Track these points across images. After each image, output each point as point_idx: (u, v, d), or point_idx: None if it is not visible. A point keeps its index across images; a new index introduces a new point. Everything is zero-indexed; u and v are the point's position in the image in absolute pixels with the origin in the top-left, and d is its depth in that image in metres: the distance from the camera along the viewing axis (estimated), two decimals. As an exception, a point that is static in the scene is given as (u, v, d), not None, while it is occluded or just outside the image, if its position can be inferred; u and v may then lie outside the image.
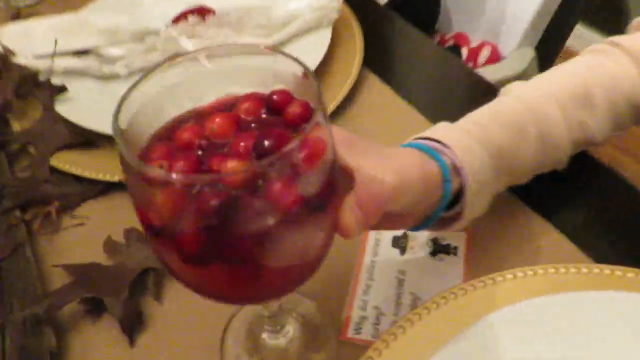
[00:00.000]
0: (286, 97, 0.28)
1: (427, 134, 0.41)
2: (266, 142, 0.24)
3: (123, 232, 0.48)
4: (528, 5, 0.91)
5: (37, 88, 0.62)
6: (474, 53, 0.97)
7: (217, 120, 0.28)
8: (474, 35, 1.01)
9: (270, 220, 0.24)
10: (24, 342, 0.42)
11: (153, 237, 0.26)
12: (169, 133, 0.29)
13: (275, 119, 0.28)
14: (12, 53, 0.65)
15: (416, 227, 0.41)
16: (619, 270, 0.41)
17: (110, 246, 0.48)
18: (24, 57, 0.65)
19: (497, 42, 0.98)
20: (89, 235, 0.50)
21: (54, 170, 0.55)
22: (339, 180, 0.28)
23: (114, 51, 0.66)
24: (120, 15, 0.69)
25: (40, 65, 0.64)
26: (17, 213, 0.51)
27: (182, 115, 0.30)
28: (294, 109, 0.27)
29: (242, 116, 0.29)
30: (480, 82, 0.62)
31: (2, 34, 0.67)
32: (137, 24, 0.67)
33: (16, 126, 0.61)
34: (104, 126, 0.56)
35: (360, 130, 0.57)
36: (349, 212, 0.29)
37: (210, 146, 0.27)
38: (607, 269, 0.41)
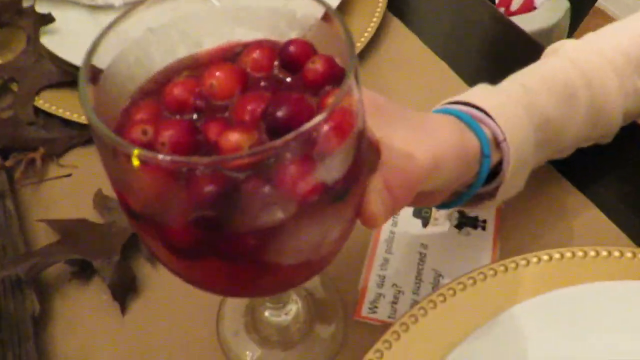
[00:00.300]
0: (306, 49, 0.22)
1: (465, 98, 0.35)
2: (280, 111, 0.19)
3: (114, 186, 0.43)
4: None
5: (20, 16, 0.55)
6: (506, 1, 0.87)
7: (217, 74, 0.22)
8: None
9: (281, 213, 0.19)
10: (4, 305, 0.38)
11: (135, 223, 0.21)
12: (156, 88, 0.23)
13: (292, 77, 0.22)
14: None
15: (443, 205, 0.36)
16: (671, 259, 0.36)
17: (100, 202, 0.43)
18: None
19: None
20: (77, 188, 0.45)
21: (39, 111, 0.50)
22: (366, 159, 0.22)
23: None
24: None
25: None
26: (-2, 159, 0.46)
27: (173, 65, 0.24)
28: (316, 66, 0.21)
29: (249, 71, 0.23)
30: (518, 33, 0.55)
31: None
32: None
33: (-2, 59, 0.55)
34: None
35: (381, 85, 0.51)
36: (376, 197, 0.24)
37: (209, 108, 0.22)
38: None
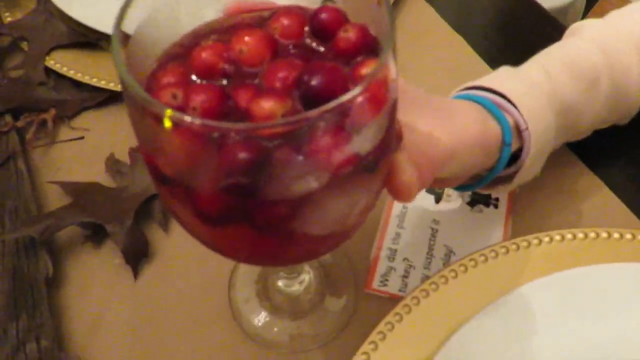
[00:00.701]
0: (338, 17, 0.22)
1: (488, 83, 0.34)
2: (314, 80, 0.18)
3: (128, 150, 0.43)
4: None
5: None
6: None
7: (246, 39, 0.22)
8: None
9: (313, 183, 0.18)
10: (17, 267, 0.38)
11: (161, 186, 0.21)
12: (185, 51, 0.22)
13: (323, 45, 0.22)
14: None
15: (461, 187, 0.36)
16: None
17: (113, 165, 0.43)
18: None
19: None
20: (89, 150, 0.45)
21: (50, 72, 0.49)
22: (394, 134, 0.22)
23: None
24: None
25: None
26: (8, 119, 0.46)
27: (201, 28, 0.23)
28: (349, 35, 0.21)
29: (278, 37, 0.22)
30: (536, 10, 0.54)
31: None
32: None
33: (6, 16, 0.53)
34: (110, 25, 0.49)
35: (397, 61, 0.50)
36: (410, 168, 0.24)
37: (238, 74, 0.21)
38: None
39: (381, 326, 0.34)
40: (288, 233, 0.20)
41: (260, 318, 0.37)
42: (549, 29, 0.52)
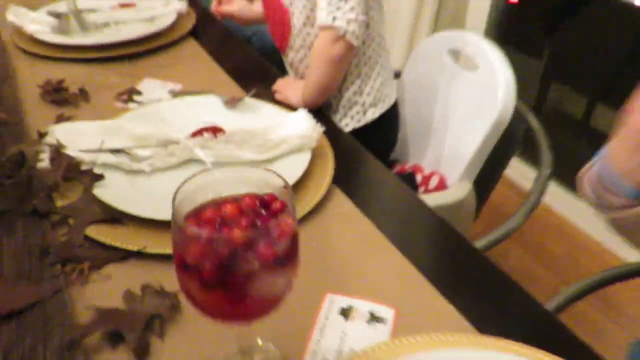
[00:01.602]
0: (272, 198, 0.47)
1: None
2: (258, 222, 0.43)
3: (140, 287, 0.64)
4: (469, 145, 1.15)
5: (80, 175, 0.80)
6: (426, 180, 1.19)
7: (228, 207, 0.46)
8: (428, 165, 1.24)
9: (257, 266, 0.41)
10: (59, 361, 0.56)
11: (182, 271, 0.43)
12: (198, 212, 0.47)
13: (265, 210, 0.46)
14: (63, 146, 0.84)
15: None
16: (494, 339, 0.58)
17: (128, 296, 0.64)
18: (72, 150, 0.84)
19: (445, 173, 1.20)
20: (111, 289, 0.66)
21: (87, 238, 0.72)
22: (297, 247, 0.46)
23: (142, 152, 0.86)
24: (149, 126, 0.90)
25: (84, 157, 0.83)
26: (59, 267, 0.67)
27: (207, 202, 0.48)
28: (275, 205, 0.46)
29: (244, 206, 0.47)
30: (422, 206, 0.82)
31: (55, 130, 0.87)
32: (163, 134, 0.88)
33: (59, 202, 0.78)
34: (129, 208, 0.74)
35: (327, 234, 0.75)
36: None
37: (224, 222, 0.45)
38: (486, 337, 0.58)
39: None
40: (245, 293, 0.42)
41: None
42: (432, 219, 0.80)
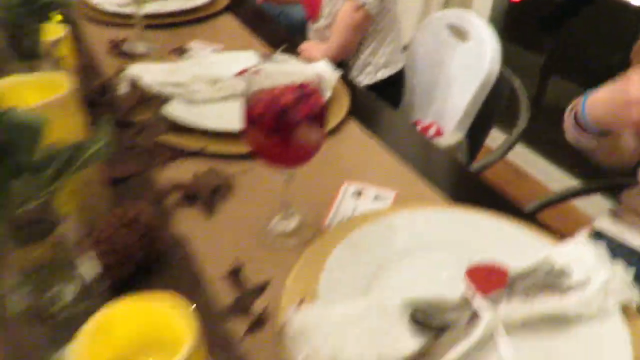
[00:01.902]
0: (308, 84, 0.69)
1: None
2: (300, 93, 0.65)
3: (202, 172, 0.86)
4: (462, 102, 1.37)
5: (151, 100, 1.03)
6: (425, 129, 1.41)
7: (280, 86, 0.68)
8: (427, 117, 1.47)
9: (299, 119, 0.63)
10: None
11: (251, 127, 0.65)
12: (261, 89, 0.68)
13: (303, 90, 0.68)
14: (138, 78, 1.06)
15: None
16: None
17: (196, 176, 0.86)
18: (144, 82, 1.06)
19: (442, 124, 1.42)
20: (182, 176, 0.87)
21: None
22: (325, 115, 0.67)
23: (196, 87, 1.08)
24: (201, 68, 1.12)
25: (153, 87, 1.05)
26: (145, 155, 0.89)
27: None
28: (310, 86, 0.68)
29: (291, 86, 0.69)
30: (419, 136, 1.04)
31: (131, 68, 1.10)
32: (212, 74, 1.10)
33: (136, 118, 1.00)
34: (189, 121, 0.96)
35: (345, 146, 0.97)
36: None
37: (279, 92, 0.67)
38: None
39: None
40: (291, 140, 0.64)
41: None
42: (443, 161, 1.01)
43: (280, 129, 0.64)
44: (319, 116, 0.65)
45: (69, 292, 0.50)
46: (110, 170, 0.84)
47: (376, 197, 0.85)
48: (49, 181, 0.41)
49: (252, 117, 0.65)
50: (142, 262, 0.66)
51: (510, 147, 1.22)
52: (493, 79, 1.32)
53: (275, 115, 0.63)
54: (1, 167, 0.39)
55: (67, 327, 0.44)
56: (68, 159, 0.41)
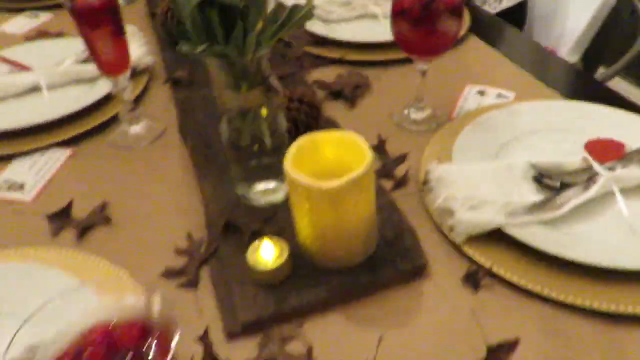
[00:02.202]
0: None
1: None
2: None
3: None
4: (581, 23, 1.39)
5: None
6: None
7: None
8: (547, 40, 1.51)
9: (442, 8, 0.74)
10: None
11: (399, 18, 0.77)
12: (406, -7, 0.80)
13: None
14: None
15: None
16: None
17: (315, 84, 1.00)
18: None
19: (559, 46, 1.46)
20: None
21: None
22: (463, 7, 0.78)
23: (332, 8, 1.22)
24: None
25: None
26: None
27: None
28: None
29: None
30: (546, 53, 1.11)
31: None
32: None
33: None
34: (326, 35, 1.10)
35: (471, 58, 1.07)
36: None
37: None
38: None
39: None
40: (434, 28, 0.75)
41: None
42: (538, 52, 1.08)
43: (424, 18, 0.75)
44: (458, 8, 0.76)
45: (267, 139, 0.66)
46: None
47: (498, 95, 0.95)
48: (274, 33, 0.57)
49: (401, 9, 0.77)
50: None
51: (628, 63, 1.24)
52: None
53: (421, 5, 0.74)
54: (245, 22, 0.55)
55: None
56: (288, 16, 0.56)
